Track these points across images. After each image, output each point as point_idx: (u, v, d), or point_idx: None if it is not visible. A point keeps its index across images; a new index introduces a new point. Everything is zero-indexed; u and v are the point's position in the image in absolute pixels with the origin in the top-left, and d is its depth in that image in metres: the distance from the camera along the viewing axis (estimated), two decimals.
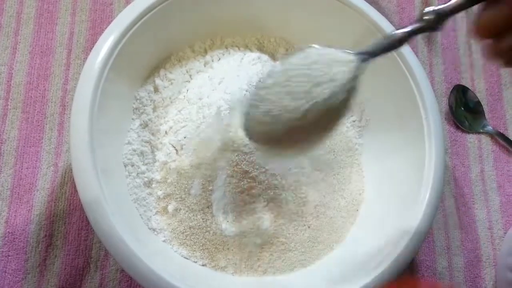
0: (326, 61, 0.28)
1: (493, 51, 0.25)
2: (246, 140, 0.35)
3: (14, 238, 0.38)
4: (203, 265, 0.36)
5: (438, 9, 0.26)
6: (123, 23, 0.35)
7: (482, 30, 0.25)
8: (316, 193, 0.38)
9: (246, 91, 0.37)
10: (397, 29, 0.27)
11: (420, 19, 0.27)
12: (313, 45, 0.29)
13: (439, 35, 0.50)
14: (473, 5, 0.26)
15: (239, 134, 0.35)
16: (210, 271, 0.36)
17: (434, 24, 0.27)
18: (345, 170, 0.41)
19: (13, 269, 0.37)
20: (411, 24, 0.27)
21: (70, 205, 0.39)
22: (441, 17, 0.26)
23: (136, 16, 0.36)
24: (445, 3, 0.26)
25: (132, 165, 0.37)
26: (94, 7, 0.45)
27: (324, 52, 0.28)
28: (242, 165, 0.35)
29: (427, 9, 0.27)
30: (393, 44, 0.28)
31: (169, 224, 0.36)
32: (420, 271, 0.42)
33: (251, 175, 0.35)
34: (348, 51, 0.28)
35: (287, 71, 0.28)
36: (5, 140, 0.41)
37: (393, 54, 0.39)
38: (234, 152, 0.35)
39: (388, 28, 0.39)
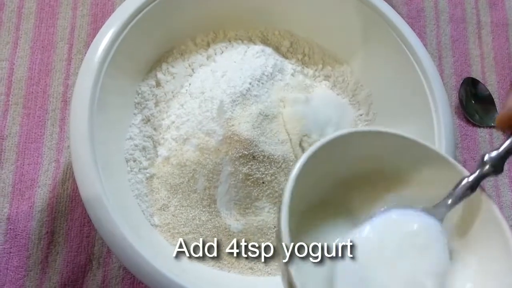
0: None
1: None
2: (250, 135, 0.34)
3: (15, 235, 0.38)
4: (207, 263, 0.35)
5: (493, 156, 0.28)
6: (123, 16, 0.35)
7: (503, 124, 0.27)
8: None
9: (250, 84, 0.36)
10: (463, 178, 0.28)
11: (482, 165, 0.28)
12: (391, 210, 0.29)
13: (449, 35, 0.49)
14: None
15: (242, 128, 0.34)
16: (214, 269, 0.35)
17: (497, 168, 0.28)
18: None
19: (15, 266, 0.37)
20: (476, 170, 0.28)
21: (72, 201, 0.39)
22: (501, 160, 0.28)
23: (136, 9, 0.35)
24: (499, 148, 0.28)
25: (134, 161, 0.36)
26: (95, 1, 0.45)
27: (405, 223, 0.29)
28: (246, 159, 0.34)
29: (486, 157, 0.28)
30: (466, 193, 0.28)
31: (171, 220, 0.36)
32: None
33: (255, 169, 0.34)
34: (427, 213, 0.29)
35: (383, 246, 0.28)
36: (7, 136, 0.40)
37: (402, 46, 0.38)
38: (237, 146, 0.34)
39: (396, 20, 0.38)
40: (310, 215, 0.29)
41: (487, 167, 0.28)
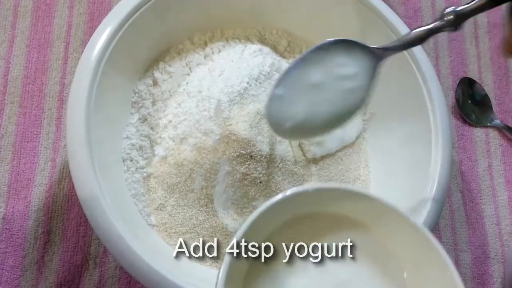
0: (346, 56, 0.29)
1: None
2: (247, 135, 0.34)
3: (11, 235, 0.37)
4: (204, 262, 0.35)
5: (458, 10, 0.27)
6: (120, 15, 0.35)
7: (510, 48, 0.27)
8: None
9: (247, 83, 0.36)
10: (417, 27, 0.28)
11: (440, 18, 0.28)
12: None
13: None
14: (493, 7, 0.26)
15: (240, 127, 0.34)
16: (212, 269, 0.35)
17: (454, 24, 0.27)
18: (350, 164, 0.40)
19: (11, 266, 0.37)
20: (431, 22, 0.28)
21: (68, 201, 0.39)
22: (461, 18, 0.27)
23: (133, 7, 0.35)
24: (467, 4, 0.27)
25: (131, 160, 0.36)
26: (92, 0, 0.45)
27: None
28: (243, 158, 0.34)
29: (448, 9, 0.27)
30: (413, 41, 0.28)
31: (168, 220, 0.36)
32: None
33: (252, 169, 0.34)
34: (367, 45, 0.29)
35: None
36: (2, 135, 0.40)
37: None
38: (234, 146, 0.34)
39: (393, 19, 0.38)
40: (255, 271, 0.28)
41: (446, 19, 0.27)
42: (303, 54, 0.30)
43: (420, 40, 0.28)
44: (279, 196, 0.27)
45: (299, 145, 0.37)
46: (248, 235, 0.26)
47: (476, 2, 0.27)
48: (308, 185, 0.28)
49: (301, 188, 0.27)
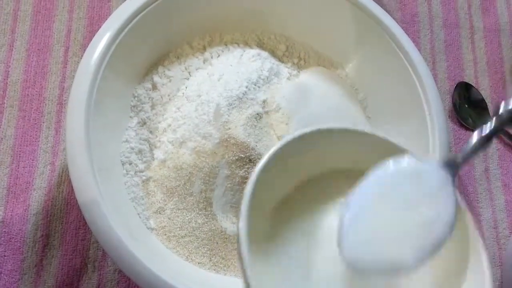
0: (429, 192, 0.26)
1: None
2: (246, 138, 0.34)
3: (10, 238, 0.37)
4: (203, 266, 0.35)
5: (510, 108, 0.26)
6: (120, 20, 0.35)
7: None
8: None
9: (246, 87, 0.36)
10: (482, 128, 0.26)
11: (498, 116, 0.26)
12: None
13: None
14: None
15: (239, 131, 0.34)
16: (210, 272, 0.35)
17: None
18: None
19: (9, 269, 0.37)
20: (491, 122, 0.26)
21: (67, 204, 0.39)
22: None
23: (132, 12, 0.35)
24: None
25: (130, 164, 0.36)
26: (92, 4, 0.45)
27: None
28: (242, 162, 0.34)
29: (502, 107, 0.26)
30: (481, 146, 0.27)
31: (167, 223, 0.36)
32: None
33: (251, 173, 0.34)
34: (437, 164, 0.27)
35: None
36: (1, 138, 0.40)
37: (396, 50, 0.39)
38: (234, 149, 0.34)
39: (390, 24, 0.39)
40: (287, 206, 0.27)
41: (503, 117, 0.25)
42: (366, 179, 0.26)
43: (488, 142, 0.26)
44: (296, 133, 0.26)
45: None
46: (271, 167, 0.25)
47: None
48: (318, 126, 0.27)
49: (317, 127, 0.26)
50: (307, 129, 0.27)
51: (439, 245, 0.25)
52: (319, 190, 0.28)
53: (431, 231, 0.25)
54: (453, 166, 0.26)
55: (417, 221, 0.25)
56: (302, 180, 0.28)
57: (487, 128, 0.26)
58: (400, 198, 0.26)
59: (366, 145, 0.28)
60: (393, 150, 0.28)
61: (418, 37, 0.49)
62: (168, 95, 0.38)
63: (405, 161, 0.27)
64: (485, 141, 0.26)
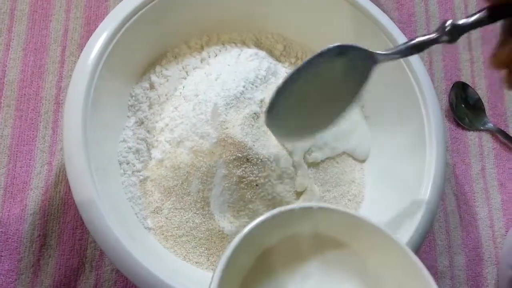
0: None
1: (508, 80, 0.27)
2: (243, 138, 0.34)
3: (7, 238, 0.37)
4: (200, 265, 0.35)
5: (458, 24, 0.28)
6: (117, 19, 0.35)
7: (498, 62, 0.27)
8: (316, 192, 0.38)
9: (244, 87, 0.36)
10: (415, 37, 0.29)
11: (438, 30, 0.28)
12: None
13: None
14: (491, 23, 0.27)
15: (236, 131, 0.34)
16: (208, 272, 0.35)
17: (451, 36, 0.28)
18: (345, 167, 0.40)
19: (6, 269, 0.37)
20: (429, 33, 0.29)
21: (64, 204, 0.39)
22: (459, 31, 0.28)
23: (130, 11, 0.35)
24: (466, 18, 0.27)
25: (127, 163, 0.36)
26: (89, 4, 0.45)
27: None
28: (239, 161, 0.34)
29: (447, 22, 0.28)
30: (410, 50, 0.29)
31: (165, 223, 0.36)
32: None
33: (249, 172, 0.35)
34: (367, 48, 0.30)
35: None
36: None
37: None
38: (231, 149, 0.34)
39: (387, 24, 0.39)
40: (253, 277, 0.28)
41: (445, 31, 0.28)
42: (303, 62, 0.30)
43: (417, 49, 0.29)
44: (263, 217, 0.27)
45: (306, 152, 0.38)
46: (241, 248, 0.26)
47: (475, 17, 0.27)
48: (282, 208, 0.28)
49: (281, 209, 0.27)
50: (271, 213, 0.27)
51: (341, 110, 0.31)
52: (279, 255, 0.29)
53: (338, 99, 0.30)
54: (375, 58, 0.30)
55: (331, 92, 0.30)
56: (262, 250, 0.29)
57: (426, 37, 0.28)
58: (321, 79, 0.30)
59: (330, 219, 0.29)
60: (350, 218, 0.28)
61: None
62: (166, 95, 0.38)
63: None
64: (417, 48, 0.29)
